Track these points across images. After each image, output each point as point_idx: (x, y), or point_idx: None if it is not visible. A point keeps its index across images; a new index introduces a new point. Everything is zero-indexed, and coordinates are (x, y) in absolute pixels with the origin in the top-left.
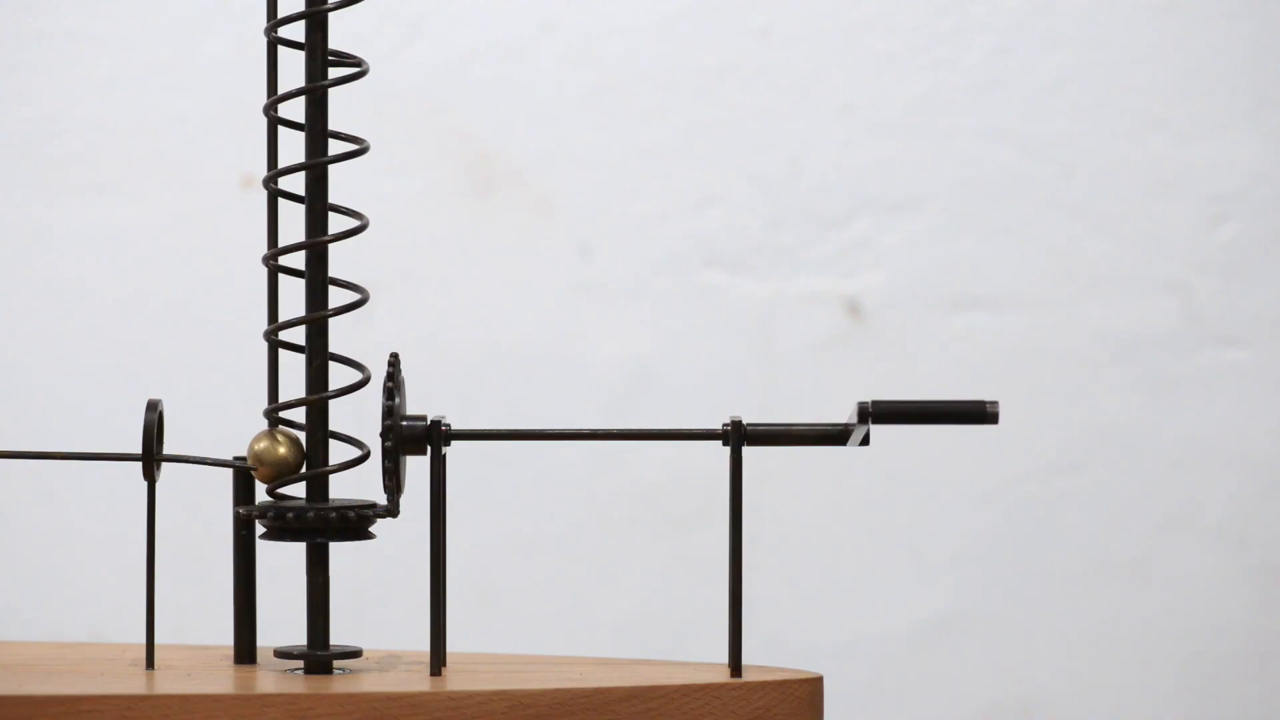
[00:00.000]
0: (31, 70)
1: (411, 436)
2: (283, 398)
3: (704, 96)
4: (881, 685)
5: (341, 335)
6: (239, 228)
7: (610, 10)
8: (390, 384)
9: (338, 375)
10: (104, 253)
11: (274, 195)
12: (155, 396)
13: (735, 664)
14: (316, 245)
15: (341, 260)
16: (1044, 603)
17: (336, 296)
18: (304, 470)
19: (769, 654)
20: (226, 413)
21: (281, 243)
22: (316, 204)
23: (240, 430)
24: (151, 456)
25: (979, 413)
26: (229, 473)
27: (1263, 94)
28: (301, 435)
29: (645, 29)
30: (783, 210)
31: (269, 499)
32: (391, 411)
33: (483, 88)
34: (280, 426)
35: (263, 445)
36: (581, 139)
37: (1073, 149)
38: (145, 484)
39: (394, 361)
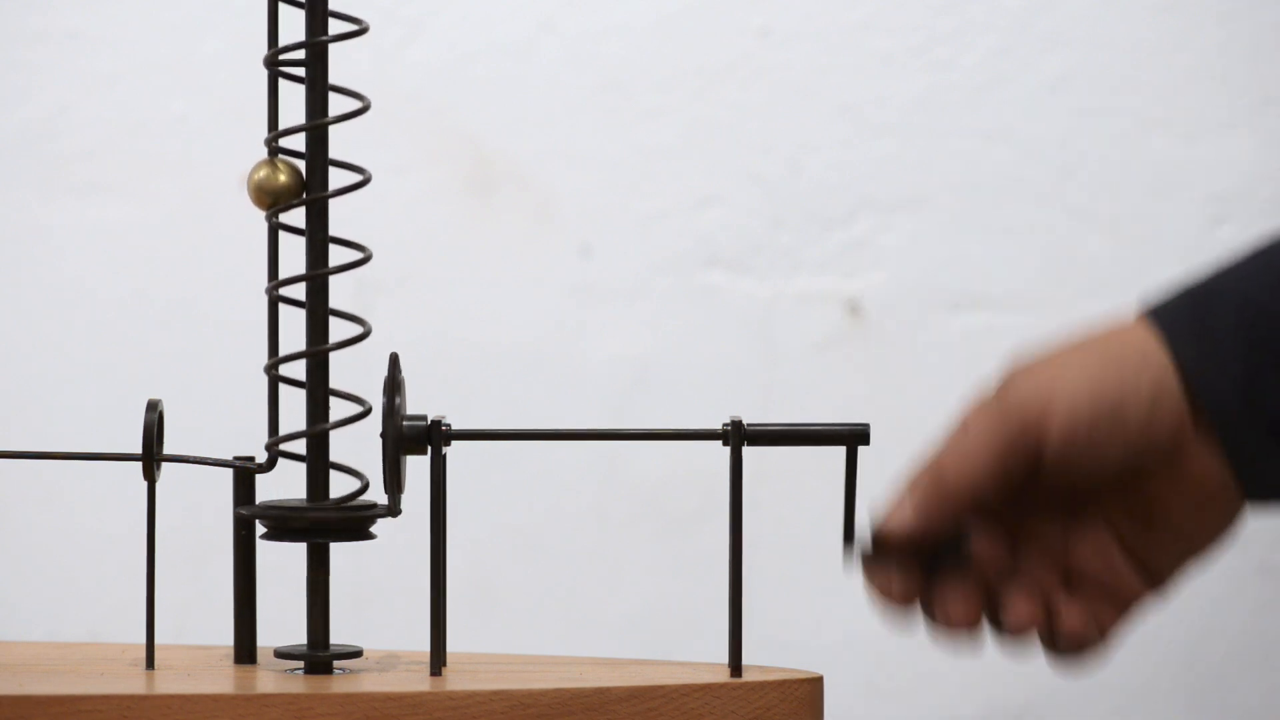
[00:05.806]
0: (31, 70)
1: (411, 436)
2: (282, 352)
3: (704, 96)
4: (881, 685)
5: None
6: (239, 228)
7: (610, 10)
8: (390, 384)
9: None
10: (104, 253)
11: (274, 154)
12: (155, 396)
13: (735, 664)
14: (317, 201)
15: (342, 256)
16: None
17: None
18: (305, 196)
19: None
20: (226, 413)
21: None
22: (317, 160)
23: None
24: (151, 456)
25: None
26: (229, 473)
27: (1263, 94)
28: (301, 164)
29: (645, 29)
30: (783, 210)
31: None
32: (391, 411)
33: (483, 88)
34: (280, 155)
35: (263, 173)
36: (581, 139)
37: (1073, 149)
38: (145, 484)
39: (394, 361)
